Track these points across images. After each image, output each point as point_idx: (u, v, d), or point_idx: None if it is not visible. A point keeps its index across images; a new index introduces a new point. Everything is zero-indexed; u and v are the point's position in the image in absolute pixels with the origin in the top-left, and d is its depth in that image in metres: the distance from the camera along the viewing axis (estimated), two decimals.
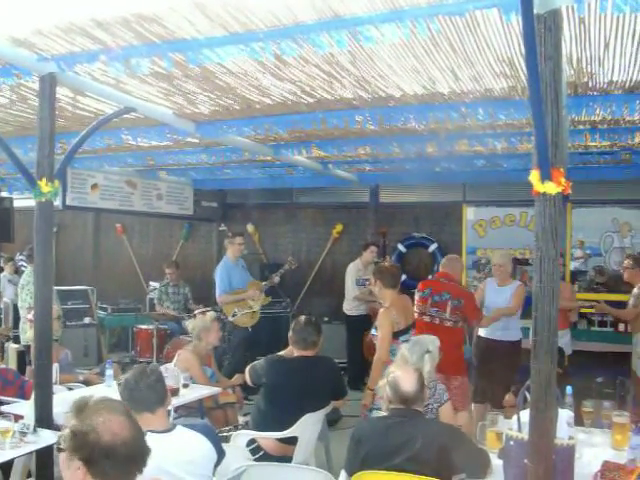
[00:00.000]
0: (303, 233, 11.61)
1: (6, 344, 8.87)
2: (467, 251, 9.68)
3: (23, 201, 11.02)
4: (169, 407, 3.86)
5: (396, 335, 5.56)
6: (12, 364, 8.47)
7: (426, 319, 6.11)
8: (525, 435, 3.13)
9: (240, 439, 4.77)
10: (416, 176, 9.17)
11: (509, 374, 6.38)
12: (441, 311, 6.09)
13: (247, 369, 5.15)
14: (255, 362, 5.16)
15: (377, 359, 5.53)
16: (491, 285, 6.90)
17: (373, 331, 5.76)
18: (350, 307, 9.35)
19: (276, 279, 9.04)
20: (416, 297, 6.29)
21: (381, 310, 5.73)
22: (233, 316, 8.30)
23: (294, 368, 4.97)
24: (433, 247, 10.35)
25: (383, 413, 3.76)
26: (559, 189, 2.95)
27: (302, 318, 5.17)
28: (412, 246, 10.59)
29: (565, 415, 3.31)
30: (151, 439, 2.35)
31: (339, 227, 11.18)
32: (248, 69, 4.43)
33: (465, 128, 5.95)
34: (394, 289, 5.77)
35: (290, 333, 5.10)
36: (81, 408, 2.13)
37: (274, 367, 4.98)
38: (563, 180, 2.95)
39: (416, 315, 6.12)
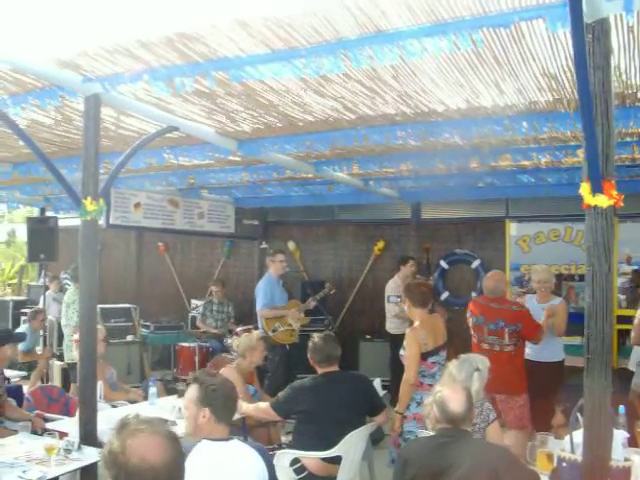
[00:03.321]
0: (344, 250, 11.53)
1: (50, 362, 9.01)
2: (511, 267, 9.51)
3: (66, 220, 11.23)
4: None
5: (424, 356, 5.32)
6: (56, 381, 8.59)
7: (485, 346, 5.80)
8: (579, 456, 3.04)
9: (284, 458, 4.71)
10: (458, 192, 9.06)
11: (552, 395, 6.17)
12: (499, 338, 5.75)
13: (270, 408, 4.88)
14: (277, 398, 4.93)
15: (405, 381, 5.28)
16: (531, 302, 6.57)
17: (401, 351, 5.52)
18: (394, 325, 9.14)
19: (312, 304, 8.92)
20: (469, 322, 6.04)
21: (408, 330, 5.50)
22: (273, 331, 8.26)
23: (326, 386, 4.85)
24: (476, 263, 10.18)
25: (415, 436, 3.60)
26: (611, 202, 2.88)
27: (319, 336, 5.09)
28: (454, 262, 10.44)
29: (620, 436, 3.20)
30: (215, 446, 3.07)
31: (380, 244, 11.05)
32: (290, 86, 4.44)
33: (508, 142, 5.87)
34: (423, 308, 5.49)
35: (311, 354, 4.98)
36: (122, 427, 2.13)
37: (306, 392, 4.84)
38: (615, 192, 2.88)
39: (474, 340, 5.93)
